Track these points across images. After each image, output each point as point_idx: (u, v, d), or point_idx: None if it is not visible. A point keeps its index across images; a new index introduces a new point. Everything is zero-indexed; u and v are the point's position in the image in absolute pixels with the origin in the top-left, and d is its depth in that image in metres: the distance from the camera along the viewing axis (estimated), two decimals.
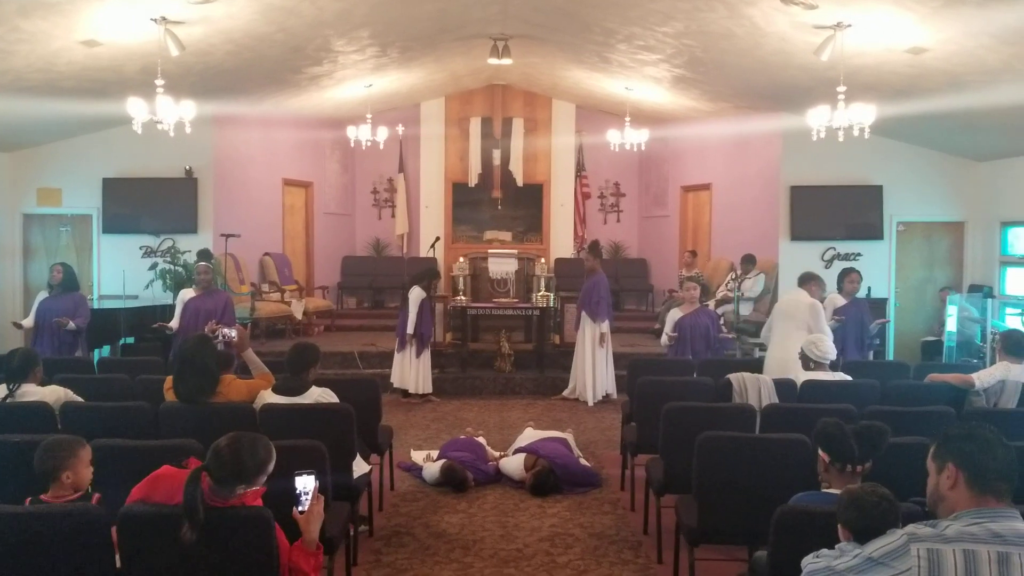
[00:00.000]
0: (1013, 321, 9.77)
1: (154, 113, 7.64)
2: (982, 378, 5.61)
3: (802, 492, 3.26)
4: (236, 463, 2.95)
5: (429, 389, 9.53)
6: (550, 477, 6.23)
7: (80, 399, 5.11)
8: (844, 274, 7.95)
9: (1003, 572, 2.09)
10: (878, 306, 11.15)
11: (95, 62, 8.09)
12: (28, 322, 8.26)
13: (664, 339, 8.01)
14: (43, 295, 8.27)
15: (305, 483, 3.11)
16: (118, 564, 3.04)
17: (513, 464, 6.52)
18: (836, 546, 2.50)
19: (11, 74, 7.99)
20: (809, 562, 2.50)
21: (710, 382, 5.97)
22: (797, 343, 6.14)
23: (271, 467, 3.06)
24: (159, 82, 7.53)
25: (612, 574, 4.76)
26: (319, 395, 5.00)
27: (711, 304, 11.32)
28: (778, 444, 4.15)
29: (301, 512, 3.09)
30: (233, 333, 5.35)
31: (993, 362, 6.48)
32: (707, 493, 4.13)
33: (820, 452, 3.21)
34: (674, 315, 7.96)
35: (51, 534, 2.92)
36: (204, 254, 8.45)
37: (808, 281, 7.02)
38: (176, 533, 2.83)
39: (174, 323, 7.96)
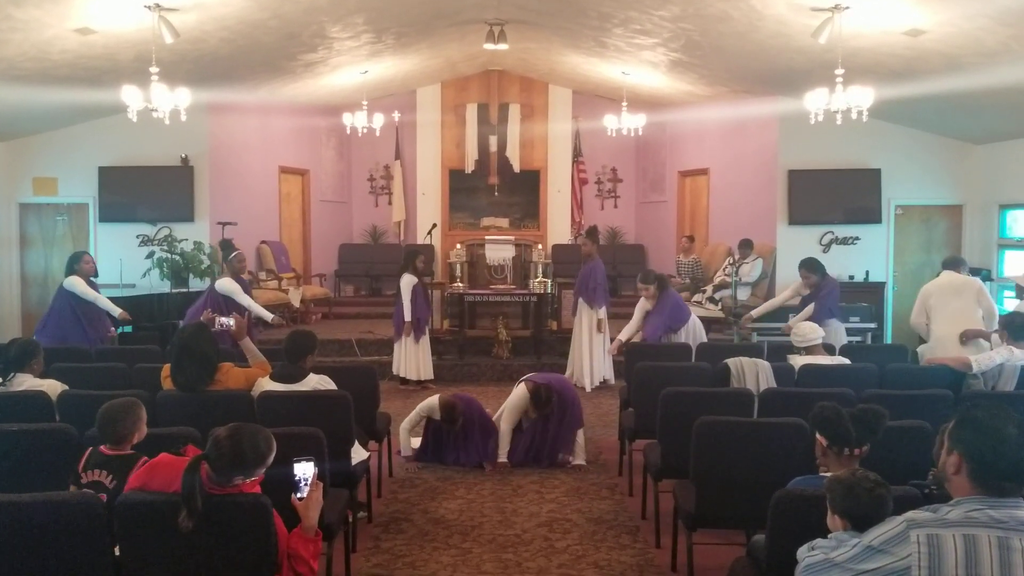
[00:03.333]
0: (1011, 304, 9.76)
1: (149, 101, 7.61)
2: (980, 361, 5.61)
3: (799, 476, 3.27)
4: (236, 454, 2.95)
5: (430, 375, 9.51)
6: (543, 390, 6.47)
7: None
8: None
9: (1003, 556, 2.08)
10: (875, 289, 11.21)
11: (89, 50, 8.05)
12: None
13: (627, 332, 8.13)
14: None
15: (304, 470, 3.10)
16: (117, 552, 3.05)
17: (516, 394, 6.63)
18: (830, 535, 2.48)
19: (4, 63, 7.95)
20: (805, 554, 2.48)
21: (708, 367, 5.98)
22: (971, 318, 6.71)
23: (271, 459, 3.06)
24: (153, 70, 7.49)
25: (610, 559, 4.77)
26: (317, 382, 5.00)
27: (708, 289, 11.34)
28: (775, 428, 4.15)
29: (300, 499, 3.09)
30: (231, 322, 5.34)
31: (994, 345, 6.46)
32: (705, 478, 4.14)
33: (818, 436, 3.21)
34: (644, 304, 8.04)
35: (50, 523, 2.92)
36: (229, 245, 8.34)
37: (959, 264, 7.23)
38: (174, 521, 2.83)
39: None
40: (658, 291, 7.96)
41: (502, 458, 6.52)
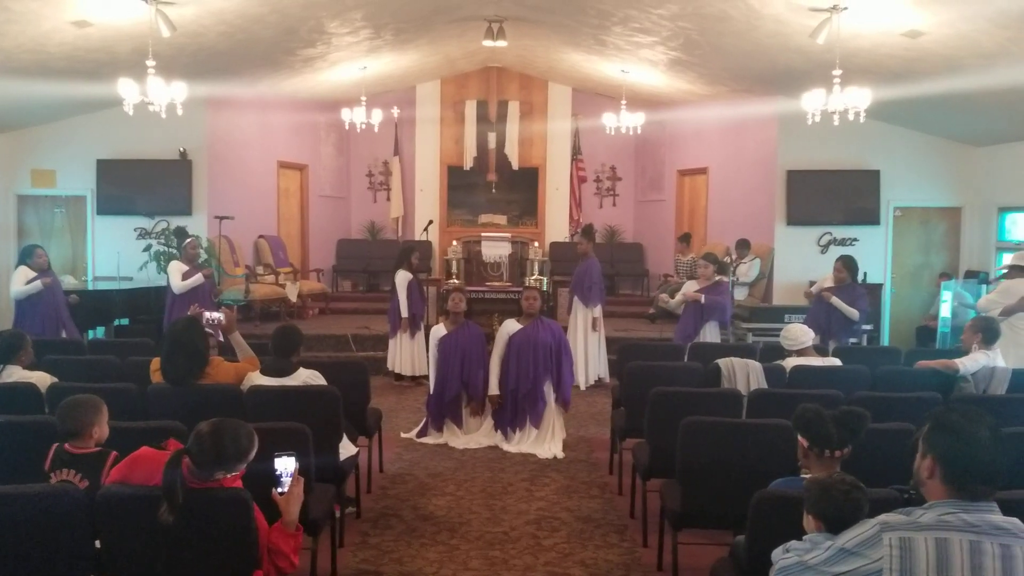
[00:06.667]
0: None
1: (145, 95, 7.60)
2: (966, 363, 5.62)
3: (781, 478, 3.26)
4: (217, 449, 2.95)
5: (425, 371, 9.50)
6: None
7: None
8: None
9: (975, 561, 2.08)
10: (872, 291, 11.18)
11: (86, 43, 8.05)
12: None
13: (679, 297, 8.23)
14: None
15: (285, 464, 3.11)
16: (98, 545, 3.05)
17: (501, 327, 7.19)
18: (805, 537, 2.48)
19: (2, 55, 7.95)
20: (779, 557, 2.48)
21: (699, 367, 5.97)
22: None
23: (252, 455, 3.06)
24: (150, 63, 7.47)
25: (597, 557, 4.77)
26: (307, 377, 5.01)
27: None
28: (761, 429, 4.15)
29: (280, 493, 3.09)
30: (221, 316, 5.33)
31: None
32: (690, 477, 4.14)
33: (799, 437, 3.21)
34: (691, 285, 8.18)
35: (31, 515, 2.92)
36: (182, 232, 8.66)
37: None
38: (155, 514, 2.83)
39: None
40: (716, 274, 8.18)
41: (493, 389, 6.99)
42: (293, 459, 3.12)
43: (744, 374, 5.57)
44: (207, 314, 5.43)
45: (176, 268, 8.20)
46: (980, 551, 2.08)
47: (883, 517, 2.20)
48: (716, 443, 4.09)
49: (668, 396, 4.94)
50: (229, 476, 3.01)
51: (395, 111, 13.66)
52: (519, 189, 14.27)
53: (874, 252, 11.50)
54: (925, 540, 2.10)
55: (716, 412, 4.55)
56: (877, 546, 2.15)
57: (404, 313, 9.26)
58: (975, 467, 2.14)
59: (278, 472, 3.09)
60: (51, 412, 4.54)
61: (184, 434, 3.76)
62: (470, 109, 13.97)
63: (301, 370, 5.01)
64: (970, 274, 10.94)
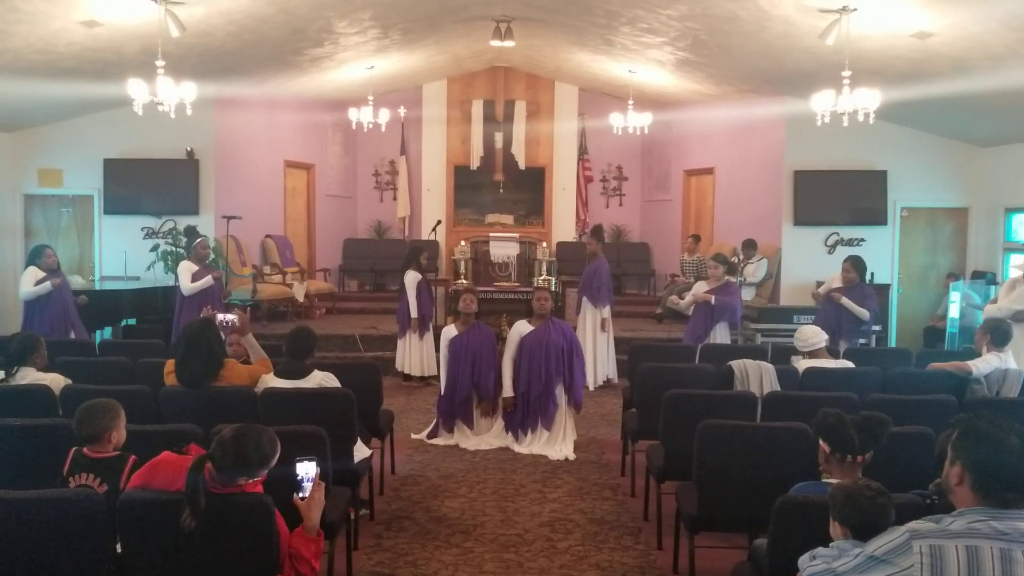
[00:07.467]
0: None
1: (154, 94, 7.60)
2: (978, 365, 5.62)
3: (802, 482, 3.26)
4: (240, 455, 2.96)
5: (434, 372, 9.51)
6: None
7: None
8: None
9: (1006, 568, 2.07)
10: (879, 292, 11.17)
11: (95, 43, 8.05)
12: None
13: (689, 297, 8.22)
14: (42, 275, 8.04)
15: (306, 469, 3.11)
16: (119, 549, 3.05)
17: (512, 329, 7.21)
18: (832, 544, 2.48)
19: (10, 54, 7.95)
20: (807, 563, 2.48)
21: (711, 369, 5.96)
22: None
23: (275, 461, 3.06)
24: (159, 63, 7.46)
25: (612, 560, 4.77)
26: (321, 379, 5.01)
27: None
28: (778, 432, 4.14)
29: (302, 498, 3.10)
30: (234, 318, 5.34)
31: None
32: (707, 480, 4.14)
33: (821, 442, 3.20)
34: (701, 286, 8.16)
35: (51, 520, 2.92)
36: (192, 231, 8.60)
37: None
38: (177, 519, 2.84)
39: None
40: (726, 275, 8.14)
41: (507, 392, 6.97)
42: (314, 464, 3.12)
43: (757, 376, 5.56)
44: (220, 316, 5.43)
45: (186, 268, 8.16)
46: (1011, 559, 2.07)
47: (912, 524, 2.20)
48: (733, 446, 4.09)
49: (683, 399, 4.93)
50: (251, 481, 3.02)
51: (402, 111, 13.64)
52: (526, 189, 14.25)
53: (881, 252, 11.48)
54: (956, 548, 2.09)
55: (731, 415, 4.55)
56: (907, 554, 2.14)
57: (413, 313, 9.27)
58: (1004, 474, 2.14)
59: (299, 477, 3.09)
60: (65, 414, 4.56)
61: (200, 437, 3.77)
62: (477, 109, 13.94)
63: (315, 372, 5.01)
64: (977, 275, 10.93)
